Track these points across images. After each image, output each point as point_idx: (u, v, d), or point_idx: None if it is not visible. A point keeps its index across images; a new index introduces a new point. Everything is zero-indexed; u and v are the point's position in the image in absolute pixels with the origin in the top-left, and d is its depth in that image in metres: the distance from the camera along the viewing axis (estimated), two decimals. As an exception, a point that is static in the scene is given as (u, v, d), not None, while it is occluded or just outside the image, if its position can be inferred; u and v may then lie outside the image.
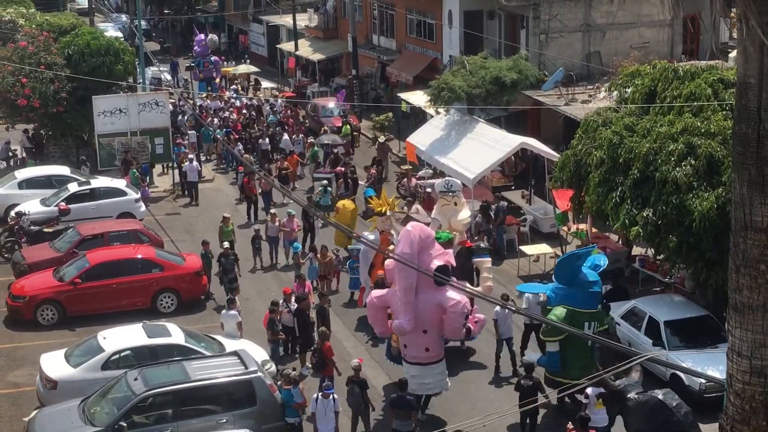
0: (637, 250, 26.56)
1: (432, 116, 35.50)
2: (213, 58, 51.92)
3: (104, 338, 20.46)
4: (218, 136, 37.87)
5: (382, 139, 37.88)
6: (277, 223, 27.94)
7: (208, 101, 45.40)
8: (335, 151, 36.55)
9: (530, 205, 30.82)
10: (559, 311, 19.04)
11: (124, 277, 24.75)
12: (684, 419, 16.56)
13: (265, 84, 51.27)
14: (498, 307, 20.71)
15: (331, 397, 18.01)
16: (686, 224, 20.17)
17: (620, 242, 26.83)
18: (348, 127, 39.84)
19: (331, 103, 43.34)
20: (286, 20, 53.95)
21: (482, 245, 22.98)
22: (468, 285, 21.34)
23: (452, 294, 19.09)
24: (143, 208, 31.65)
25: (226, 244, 25.94)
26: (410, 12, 43.86)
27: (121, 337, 20.55)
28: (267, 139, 38.37)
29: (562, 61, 34.97)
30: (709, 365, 19.02)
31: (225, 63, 54.13)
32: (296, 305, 21.99)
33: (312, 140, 38.31)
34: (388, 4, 45.76)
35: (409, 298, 18.89)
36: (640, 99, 23.46)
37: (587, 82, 35.01)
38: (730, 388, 12.28)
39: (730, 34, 34.77)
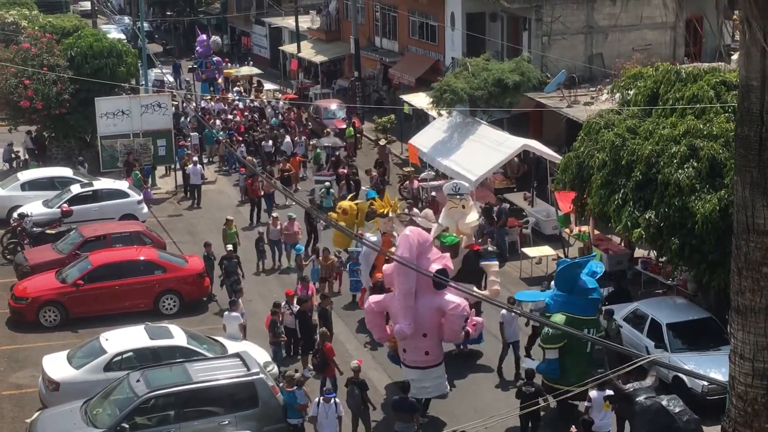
0: (639, 253, 26.55)
1: (434, 118, 35.52)
2: (215, 58, 51.94)
3: (106, 340, 20.47)
4: (220, 138, 37.90)
5: (383, 142, 37.90)
6: (278, 226, 27.95)
7: (212, 103, 45.42)
8: (336, 153, 36.59)
9: (532, 207, 30.83)
10: (559, 318, 18.99)
11: (127, 278, 24.77)
12: (685, 427, 16.42)
13: (268, 86, 51.29)
14: (504, 311, 20.68)
15: (332, 401, 18.00)
16: (688, 226, 20.16)
17: (622, 244, 26.82)
18: (351, 129, 39.87)
19: (333, 105, 43.37)
20: (289, 22, 54.00)
21: (490, 248, 22.92)
22: (475, 288, 21.35)
23: (451, 297, 19.13)
24: (146, 209, 31.66)
25: (230, 247, 25.96)
26: (412, 14, 43.88)
27: (124, 338, 20.55)
28: (270, 141, 38.40)
29: (564, 63, 34.98)
30: (711, 367, 19.02)
31: (228, 65, 54.16)
32: (298, 307, 22.01)
33: (313, 142, 38.35)
34: (390, 6, 45.79)
35: (409, 302, 18.90)
36: (642, 101, 23.45)
37: (590, 84, 35.02)
38: (733, 391, 12.27)
39: (732, 36, 34.76)
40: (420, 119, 39.28)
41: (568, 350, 18.95)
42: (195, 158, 35.48)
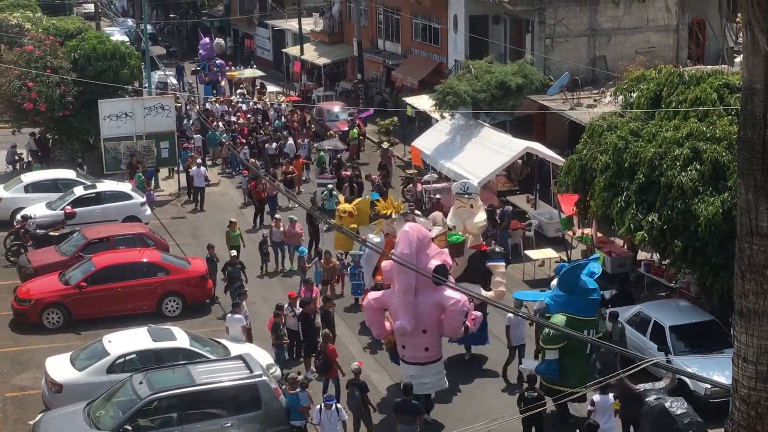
0: (642, 255, 26.54)
1: (437, 120, 35.52)
2: (218, 61, 52.03)
3: (109, 342, 20.48)
4: (223, 141, 37.92)
5: (386, 145, 37.93)
6: (281, 228, 27.96)
7: (217, 105, 45.46)
8: (338, 156, 36.59)
9: (535, 210, 30.81)
10: (559, 319, 18.98)
11: (130, 280, 24.78)
12: (685, 429, 16.39)
13: (271, 88, 51.34)
14: (511, 313, 20.66)
15: (333, 407, 17.99)
16: (692, 229, 20.14)
17: (625, 247, 26.81)
18: (355, 131, 39.89)
19: (336, 108, 43.38)
20: (292, 24, 54.06)
21: (497, 249, 22.89)
22: (481, 289, 21.35)
23: (451, 293, 19.14)
24: (149, 211, 31.69)
25: (233, 253, 25.91)
26: (415, 16, 43.90)
27: (127, 340, 20.56)
28: (273, 144, 38.42)
29: (567, 66, 34.96)
30: (714, 370, 19.00)
31: (231, 67, 54.21)
32: (300, 309, 22.02)
33: (316, 145, 38.35)
34: (393, 8, 45.81)
35: (409, 298, 18.95)
36: (645, 104, 23.44)
37: (592, 87, 35.02)
38: (736, 394, 12.26)
39: (735, 39, 34.73)
40: (423, 121, 39.29)
41: (568, 351, 18.93)
42: (198, 160, 35.51)
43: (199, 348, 20.48)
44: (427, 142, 34.15)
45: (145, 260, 25.48)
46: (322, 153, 37.13)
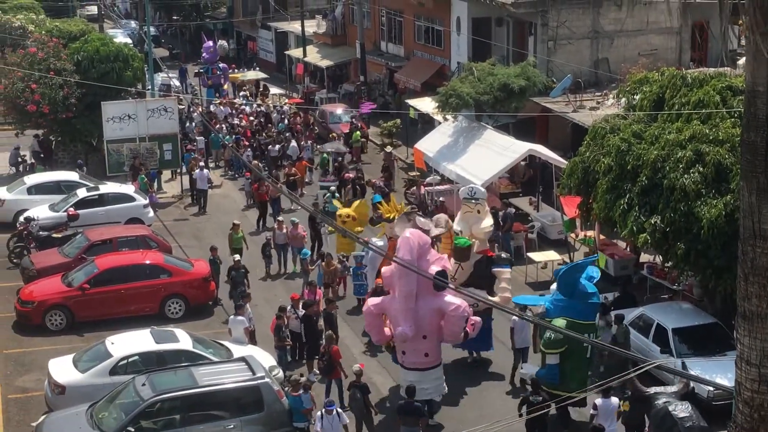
0: (645, 258, 26.52)
1: (440, 123, 35.52)
2: (221, 64, 52.07)
3: (112, 343, 20.51)
4: (226, 143, 37.94)
5: (388, 149, 37.94)
6: (284, 231, 27.97)
7: (220, 107, 45.49)
8: (339, 159, 36.61)
9: (538, 212, 30.81)
10: (559, 323, 18.95)
11: (133, 282, 24.80)
12: None
13: (274, 90, 51.38)
14: (515, 317, 20.65)
15: (334, 412, 17.99)
16: (694, 231, 20.13)
17: (628, 249, 26.80)
18: (358, 133, 39.90)
19: (339, 110, 43.40)
20: (295, 26, 54.08)
21: (503, 255, 22.90)
22: (486, 294, 21.32)
23: (451, 298, 19.18)
24: (151, 213, 31.71)
25: (237, 257, 25.91)
26: (418, 18, 43.92)
27: (129, 342, 20.59)
28: (276, 146, 38.44)
29: (570, 68, 34.97)
30: (717, 373, 18.99)
31: (234, 70, 54.25)
32: (303, 311, 22.02)
33: (318, 148, 38.35)
34: (396, 10, 45.84)
35: (410, 304, 18.96)
36: (648, 106, 23.44)
37: (595, 89, 35.02)
38: (739, 396, 12.24)
39: (738, 41, 34.73)
40: (426, 124, 39.30)
41: (569, 355, 18.92)
42: (201, 163, 35.53)
43: (202, 350, 20.49)
44: (429, 145, 34.15)
45: (147, 262, 25.51)
46: (324, 155, 37.15)
